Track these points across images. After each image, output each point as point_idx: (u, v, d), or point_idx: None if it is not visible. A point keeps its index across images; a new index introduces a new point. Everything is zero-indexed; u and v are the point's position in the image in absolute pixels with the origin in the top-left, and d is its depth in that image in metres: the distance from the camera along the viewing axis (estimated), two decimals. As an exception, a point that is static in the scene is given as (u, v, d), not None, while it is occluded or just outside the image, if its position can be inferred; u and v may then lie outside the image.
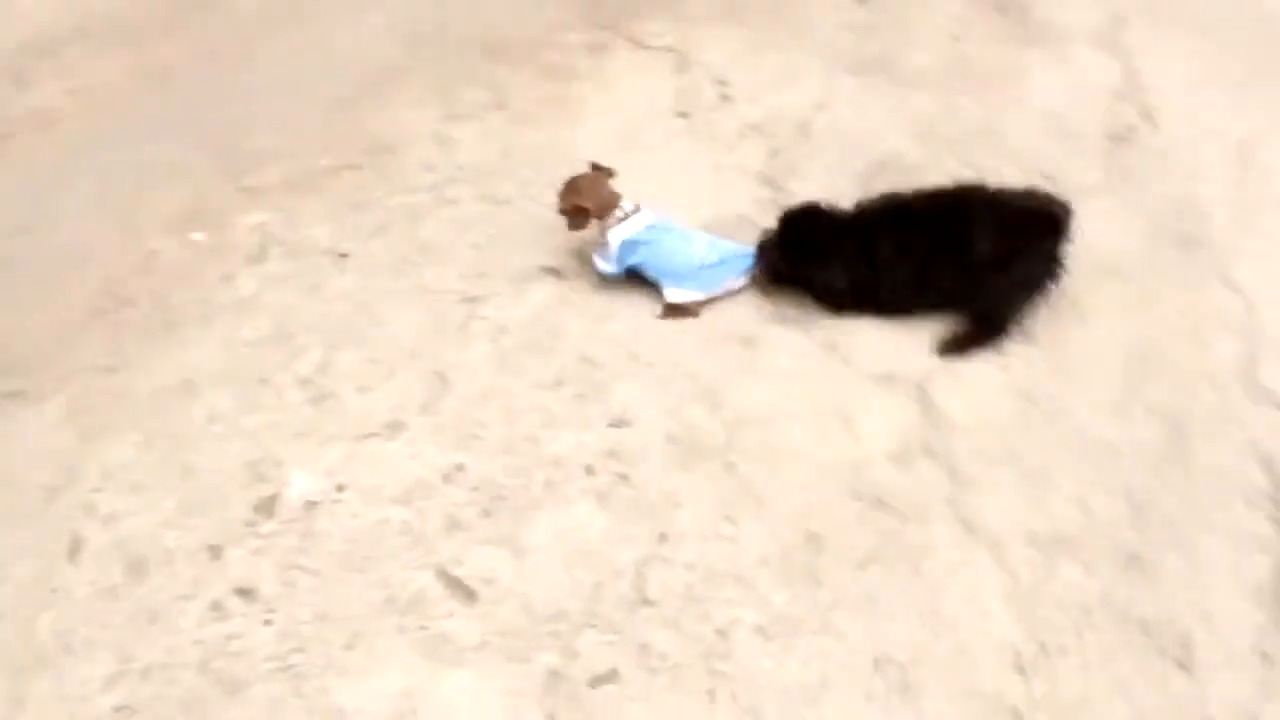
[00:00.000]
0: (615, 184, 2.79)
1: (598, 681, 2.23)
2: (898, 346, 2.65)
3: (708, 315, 2.77)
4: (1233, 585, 2.24)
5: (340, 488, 2.58)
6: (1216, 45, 3.09)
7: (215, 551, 2.45)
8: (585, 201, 2.78)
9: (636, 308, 2.80)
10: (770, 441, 2.52)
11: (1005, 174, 2.85)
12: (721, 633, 2.26)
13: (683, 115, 3.22)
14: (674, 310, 2.83)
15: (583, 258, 2.90)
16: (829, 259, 2.69)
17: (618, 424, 2.60)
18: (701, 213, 2.94)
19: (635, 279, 2.81)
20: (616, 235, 2.78)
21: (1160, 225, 2.75)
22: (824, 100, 3.16)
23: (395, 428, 2.66)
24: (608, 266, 2.83)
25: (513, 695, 2.19)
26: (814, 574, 2.32)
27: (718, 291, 2.83)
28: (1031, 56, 3.15)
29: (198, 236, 3.05)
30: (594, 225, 2.83)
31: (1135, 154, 2.88)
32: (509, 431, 2.61)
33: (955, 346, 2.66)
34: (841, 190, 2.88)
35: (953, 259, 2.59)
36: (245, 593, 2.40)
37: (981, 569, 2.29)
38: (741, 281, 2.84)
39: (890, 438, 2.50)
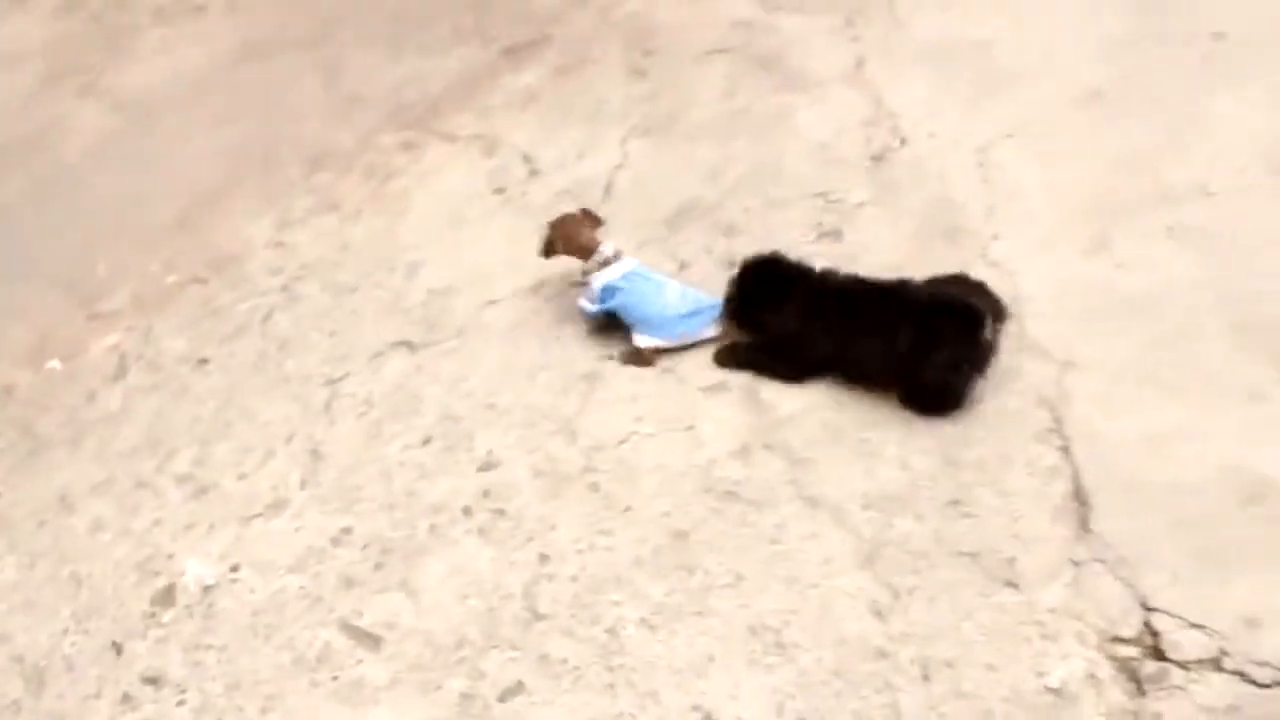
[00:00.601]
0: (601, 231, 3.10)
1: (507, 695, 2.45)
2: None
3: (552, 359, 3.05)
4: (1039, 509, 2.62)
5: (234, 568, 2.75)
6: (944, 73, 3.59)
7: (118, 648, 2.57)
8: (581, 239, 3.04)
9: (488, 365, 3.07)
10: (626, 459, 2.81)
11: (791, 196, 3.26)
12: (611, 631, 2.51)
13: (498, 191, 3.54)
14: (635, 356, 3.04)
15: (432, 326, 3.16)
16: (782, 305, 2.86)
17: (486, 467, 2.86)
18: (528, 273, 3.24)
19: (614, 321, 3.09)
20: (599, 279, 2.98)
21: (925, 223, 3.19)
22: (621, 161, 3.54)
23: (279, 505, 2.85)
24: (590, 307, 3.03)
25: (429, 720, 2.33)
26: (685, 565, 2.59)
27: (688, 339, 3.02)
28: (795, 100, 3.59)
29: (54, 364, 3.19)
30: (576, 266, 3.09)
31: (893, 169, 3.32)
32: (387, 490, 2.83)
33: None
34: (652, 236, 3.25)
35: (878, 344, 2.79)
36: (153, 680, 2.53)
37: (829, 535, 2.61)
38: (712, 330, 3.01)
39: (731, 438, 2.81)
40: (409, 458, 2.88)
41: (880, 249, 3.11)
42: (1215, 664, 2.30)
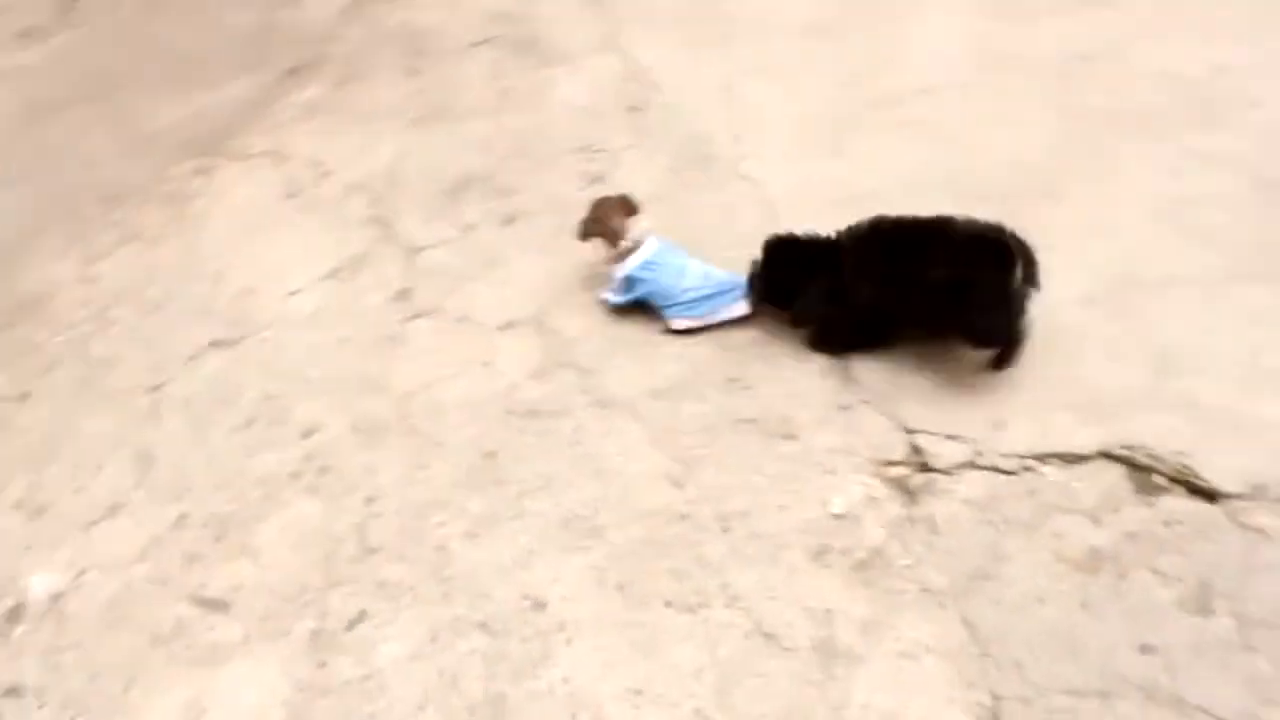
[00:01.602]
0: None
1: (352, 624, 2.64)
2: (511, 302, 3.26)
3: (355, 330, 3.27)
4: (806, 372, 2.94)
5: (81, 573, 2.88)
6: (687, 29, 3.95)
7: (-30, 677, 2.69)
8: (613, 224, 3.08)
9: (298, 346, 3.28)
10: (434, 400, 3.04)
11: (558, 154, 3.56)
12: (439, 548, 2.72)
13: (291, 196, 3.76)
14: (678, 334, 3.09)
15: (241, 323, 3.37)
16: (806, 283, 2.91)
17: (308, 434, 3.06)
18: (324, 263, 3.47)
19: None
20: (620, 270, 3.07)
21: (680, 156, 3.52)
22: (404, 151, 3.80)
23: (116, 508, 3.00)
24: (616, 298, 3.13)
25: (284, 661, 2.55)
26: (498, 479, 2.83)
27: (716, 318, 3.08)
28: (555, 73, 3.90)
29: None
30: (604, 253, 3.14)
31: (650, 115, 3.65)
32: (218, 472, 3.00)
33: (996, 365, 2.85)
34: (437, 209, 3.52)
35: (913, 286, 2.77)
36: (12, 691, 2.65)
37: (624, 428, 2.87)
38: (742, 309, 3.07)
39: (526, 364, 3.07)
40: (234, 441, 3.05)
41: (642, 183, 3.41)
42: (971, 464, 2.65)
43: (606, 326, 3.08)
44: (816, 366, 2.91)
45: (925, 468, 2.67)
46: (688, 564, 2.58)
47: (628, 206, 3.07)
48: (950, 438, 2.71)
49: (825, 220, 3.03)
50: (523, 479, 2.81)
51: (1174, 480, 2.55)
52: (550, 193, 3.41)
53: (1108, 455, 2.62)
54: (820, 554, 2.54)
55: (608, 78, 3.83)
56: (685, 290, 3.03)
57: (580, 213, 3.17)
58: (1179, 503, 2.50)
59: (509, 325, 3.13)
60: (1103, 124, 3.39)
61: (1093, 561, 2.42)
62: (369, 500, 2.82)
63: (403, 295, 3.26)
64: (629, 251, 3.05)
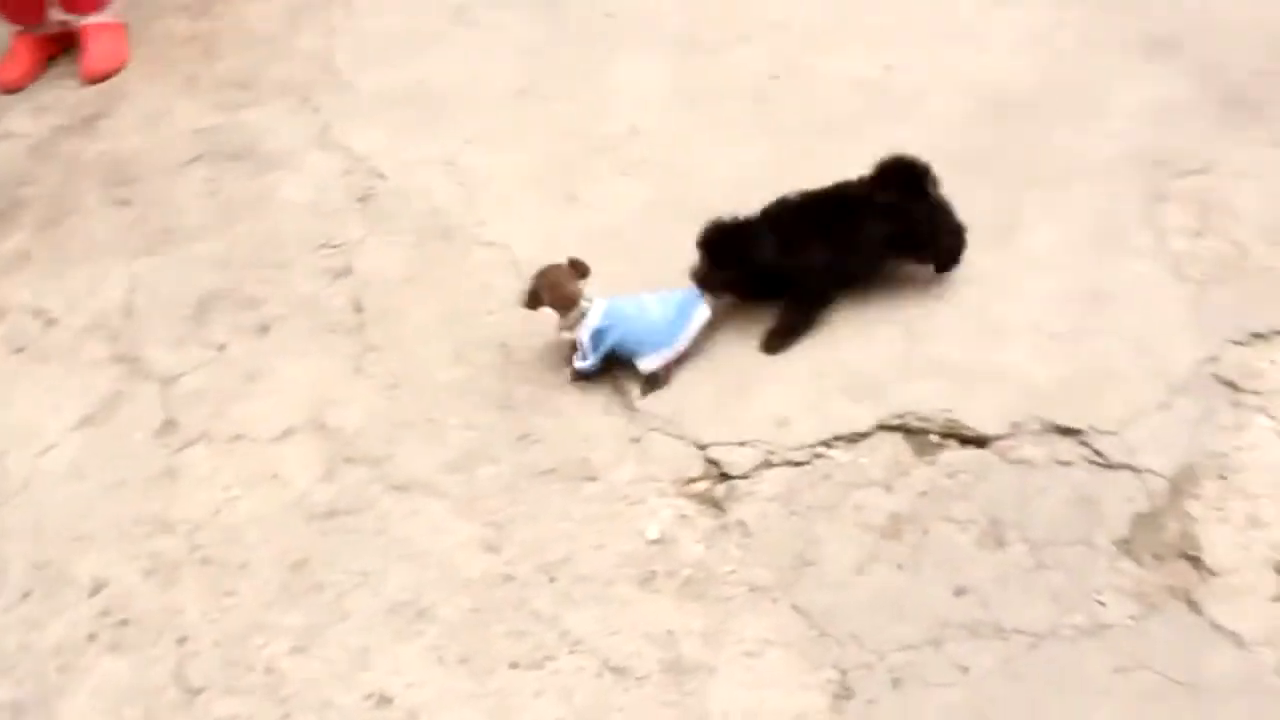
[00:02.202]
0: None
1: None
2: (284, 410, 3.27)
3: (124, 472, 3.13)
4: (590, 412, 3.04)
5: None
6: (399, 113, 4.02)
7: None
8: (545, 294, 2.97)
9: (61, 503, 3.15)
10: (226, 524, 2.96)
11: (297, 255, 3.54)
12: (269, 670, 2.69)
13: (19, 351, 3.56)
14: (650, 382, 3.05)
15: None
16: (750, 245, 2.98)
17: (95, 591, 2.94)
18: (74, 412, 3.32)
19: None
20: (584, 332, 2.95)
21: (422, 236, 3.57)
22: (134, 284, 3.66)
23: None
24: (586, 364, 3.01)
25: None
26: (313, 587, 2.83)
27: (688, 341, 3.04)
28: (276, 177, 3.87)
29: None
30: (558, 321, 3.02)
31: (380, 203, 3.68)
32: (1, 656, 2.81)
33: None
34: (184, 334, 3.46)
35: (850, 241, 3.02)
36: None
37: (426, 507, 2.93)
38: (705, 313, 3.06)
39: (313, 468, 3.06)
40: (12, 619, 2.87)
41: (390, 267, 3.44)
42: (766, 464, 2.83)
43: (387, 412, 3.08)
44: (599, 407, 3.02)
45: (725, 477, 2.82)
46: (523, 622, 2.63)
47: (578, 269, 2.97)
48: (741, 444, 2.87)
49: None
50: (337, 581, 2.78)
51: (946, 436, 2.80)
52: (298, 295, 3.40)
53: (885, 427, 2.86)
54: (647, 581, 2.64)
55: (329, 174, 3.84)
56: (654, 324, 2.98)
57: (343, 308, 3.19)
58: (955, 454, 2.75)
59: (287, 434, 3.09)
60: (806, 133, 3.69)
61: (895, 526, 2.63)
62: (180, 641, 2.73)
63: (167, 428, 3.16)
64: (583, 314, 2.97)
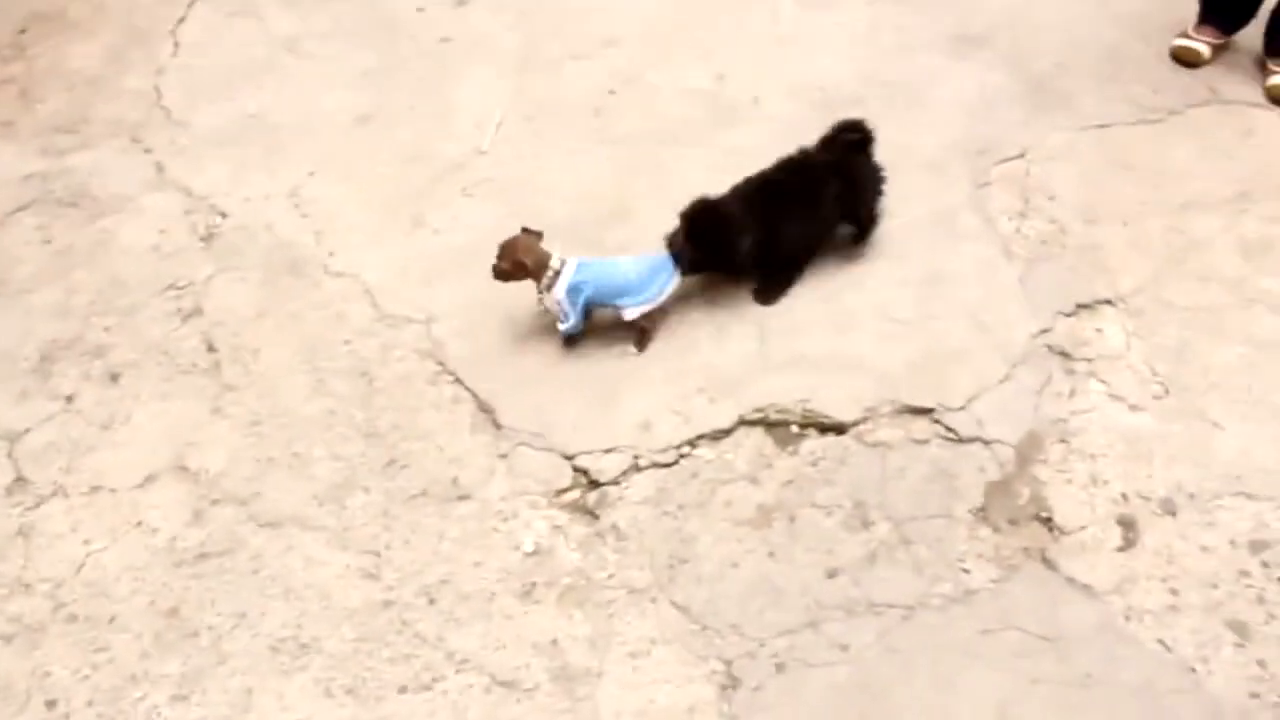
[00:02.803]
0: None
1: None
2: (143, 457, 3.17)
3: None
4: (457, 433, 3.05)
5: None
6: (236, 148, 3.95)
7: None
8: (525, 258, 3.03)
9: None
10: (90, 579, 2.87)
11: (143, 300, 3.45)
12: (146, 723, 2.59)
13: None
14: (639, 334, 3.19)
15: None
16: (732, 239, 3.12)
17: None
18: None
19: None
20: (560, 289, 3.03)
21: (270, 271, 3.52)
22: None
23: None
24: (568, 324, 3.09)
25: None
26: (188, 633, 2.76)
27: (663, 297, 3.15)
28: (113, 221, 3.77)
29: None
30: (535, 287, 3.09)
31: (225, 240, 3.62)
32: None
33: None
34: (28, 389, 3.34)
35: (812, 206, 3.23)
36: None
37: (300, 541, 2.89)
38: (676, 283, 3.17)
39: (180, 512, 2.98)
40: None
41: (240, 305, 3.39)
42: (634, 468, 2.88)
43: (250, 452, 3.05)
44: (466, 426, 3.05)
45: (595, 484, 2.88)
46: (408, 646, 2.64)
47: (535, 235, 3.09)
48: (608, 451, 2.94)
49: (433, 288, 3.34)
50: (214, 624, 2.75)
51: (805, 425, 2.92)
52: (147, 340, 3.33)
53: (746, 422, 2.96)
54: (527, 593, 2.69)
55: (170, 214, 3.77)
56: (627, 277, 3.09)
57: (196, 349, 3.22)
58: (816, 443, 2.87)
59: (148, 480, 3.02)
60: (646, 142, 3.78)
61: (764, 517, 2.72)
62: (50, 705, 2.65)
63: (17, 486, 3.06)
64: (556, 274, 3.06)
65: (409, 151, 3.85)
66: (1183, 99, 4.01)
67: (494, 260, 3.09)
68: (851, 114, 3.46)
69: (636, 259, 3.14)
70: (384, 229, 3.60)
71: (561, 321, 3.11)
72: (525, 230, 3.09)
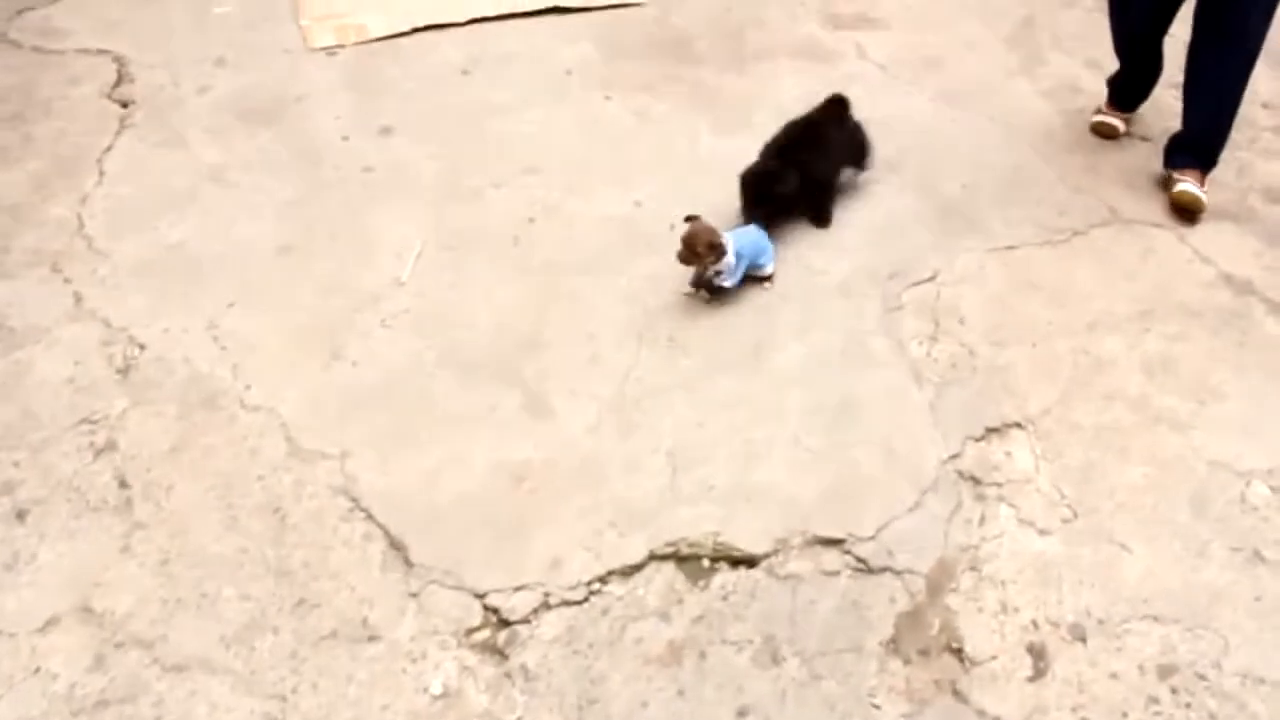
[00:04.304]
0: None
1: None
2: (46, 599, 3.06)
3: None
4: (367, 571, 3.02)
5: None
6: (156, 279, 3.95)
7: None
8: (714, 239, 3.59)
9: None
10: None
11: (55, 434, 3.41)
12: None
13: None
14: (769, 279, 3.87)
15: None
16: (782, 193, 3.92)
17: None
18: None
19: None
20: (729, 258, 3.61)
21: (186, 405, 3.49)
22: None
23: None
24: (730, 281, 3.69)
25: None
26: None
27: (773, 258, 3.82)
28: (27, 354, 3.72)
29: None
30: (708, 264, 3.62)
31: (142, 373, 3.59)
32: None
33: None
34: None
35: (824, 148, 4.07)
36: None
37: (206, 685, 2.80)
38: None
39: (81, 658, 2.91)
40: None
41: (155, 437, 3.36)
42: (544, 606, 2.85)
43: (155, 590, 2.99)
44: (377, 564, 3.02)
45: (505, 623, 2.86)
46: (314, 795, 2.56)
47: (697, 218, 3.66)
48: (518, 589, 2.93)
49: (348, 423, 3.32)
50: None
51: (717, 559, 2.93)
52: (57, 475, 3.28)
53: (657, 556, 2.96)
54: (434, 738, 2.62)
55: (86, 347, 3.74)
56: (759, 241, 3.78)
57: (107, 485, 3.25)
58: (727, 576, 2.88)
59: (50, 624, 2.96)
60: (564, 271, 3.84)
61: (674, 654, 2.71)
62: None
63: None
64: (724, 248, 3.57)
65: (329, 282, 3.86)
66: (1085, 219, 4.13)
67: (679, 252, 3.60)
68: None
69: (747, 230, 3.78)
70: (301, 362, 3.58)
71: (727, 279, 3.67)
72: (690, 218, 3.64)
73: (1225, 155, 4.35)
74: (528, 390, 3.45)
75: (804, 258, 3.88)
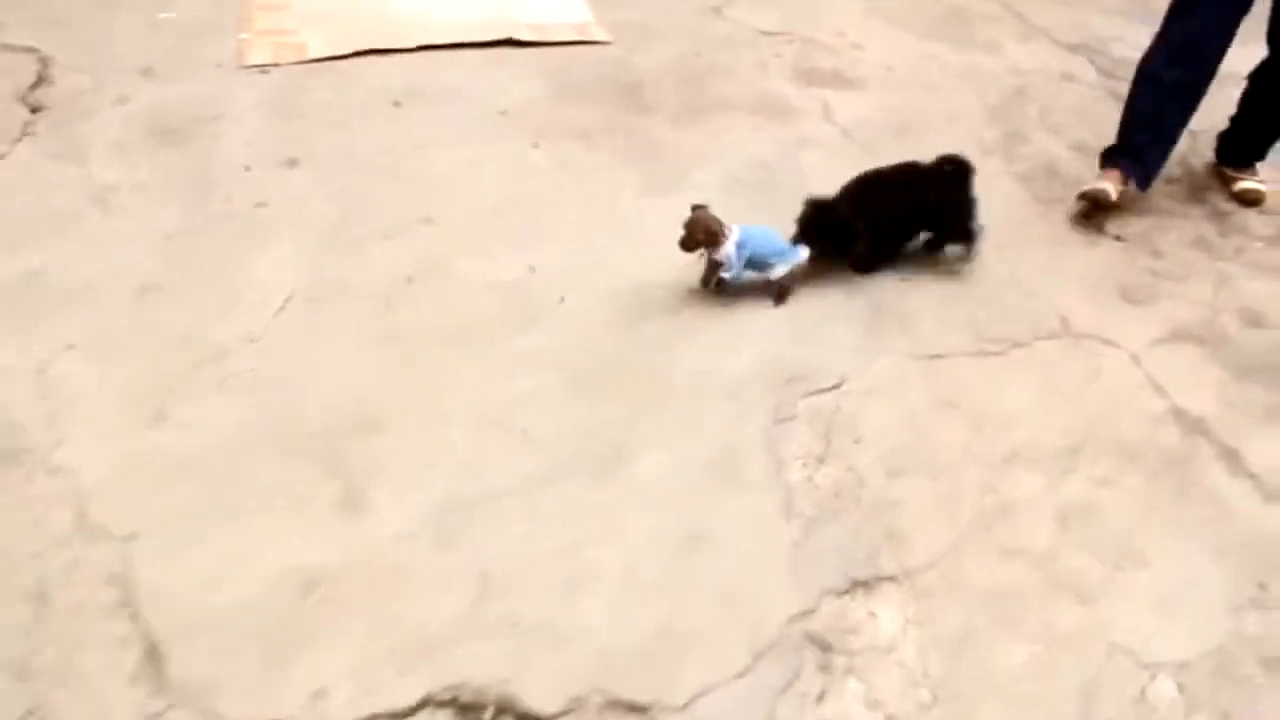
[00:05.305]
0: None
1: None
2: None
3: None
4: (113, 682, 2.63)
5: None
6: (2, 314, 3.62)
7: None
8: (714, 227, 3.57)
9: None
10: None
11: None
12: None
13: None
14: (780, 290, 3.74)
15: None
16: (846, 232, 3.78)
17: None
18: None
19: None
20: (729, 246, 3.57)
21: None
22: None
23: None
24: (731, 272, 3.62)
25: None
26: None
27: (799, 266, 3.73)
28: None
29: None
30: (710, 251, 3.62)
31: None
32: None
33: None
34: None
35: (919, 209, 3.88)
36: None
37: None
38: (803, 257, 3.76)
39: None
40: None
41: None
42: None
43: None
44: (128, 674, 2.64)
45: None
46: None
47: (704, 207, 3.60)
48: (269, 721, 2.49)
49: (146, 499, 3.00)
50: None
51: (500, 712, 2.50)
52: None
53: (434, 701, 2.55)
54: None
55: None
56: (776, 243, 3.68)
57: None
58: (506, 734, 2.43)
59: None
60: (430, 343, 3.50)
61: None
62: None
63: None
64: (726, 236, 3.53)
65: (180, 331, 3.51)
66: (1031, 329, 3.66)
67: (681, 238, 3.56)
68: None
69: (762, 227, 3.67)
70: (123, 421, 3.23)
71: (726, 271, 3.60)
72: (696, 207, 3.58)
73: (1206, 264, 3.84)
74: (349, 481, 3.04)
75: (700, 347, 3.43)
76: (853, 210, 3.73)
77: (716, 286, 3.69)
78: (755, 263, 3.61)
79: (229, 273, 3.79)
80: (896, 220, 3.84)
